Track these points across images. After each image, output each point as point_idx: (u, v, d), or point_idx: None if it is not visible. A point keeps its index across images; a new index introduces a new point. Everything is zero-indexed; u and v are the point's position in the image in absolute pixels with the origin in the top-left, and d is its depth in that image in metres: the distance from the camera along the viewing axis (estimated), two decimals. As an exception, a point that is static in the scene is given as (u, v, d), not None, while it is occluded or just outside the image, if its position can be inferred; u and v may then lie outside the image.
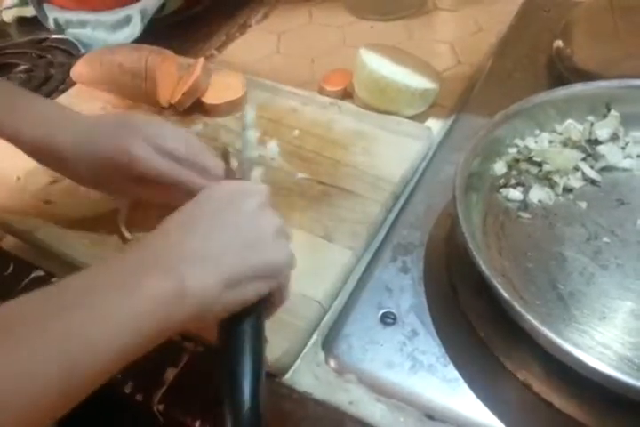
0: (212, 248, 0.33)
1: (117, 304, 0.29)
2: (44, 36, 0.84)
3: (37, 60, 0.81)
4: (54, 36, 0.84)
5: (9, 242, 0.55)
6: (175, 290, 0.30)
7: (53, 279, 0.51)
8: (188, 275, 0.31)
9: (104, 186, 0.48)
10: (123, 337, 0.28)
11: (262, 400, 0.33)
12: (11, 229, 0.55)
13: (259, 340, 0.35)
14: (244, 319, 0.35)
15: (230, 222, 0.35)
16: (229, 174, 0.47)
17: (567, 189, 0.49)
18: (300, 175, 0.55)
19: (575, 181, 0.50)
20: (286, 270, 0.38)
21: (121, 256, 0.33)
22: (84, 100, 0.68)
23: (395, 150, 0.57)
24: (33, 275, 0.51)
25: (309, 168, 0.56)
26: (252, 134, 0.54)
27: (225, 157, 0.51)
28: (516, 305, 0.36)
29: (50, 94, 0.73)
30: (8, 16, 0.89)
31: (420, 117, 0.61)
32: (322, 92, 0.67)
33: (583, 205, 0.48)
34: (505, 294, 0.37)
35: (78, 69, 0.69)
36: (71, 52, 0.81)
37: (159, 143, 0.44)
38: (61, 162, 0.45)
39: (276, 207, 0.40)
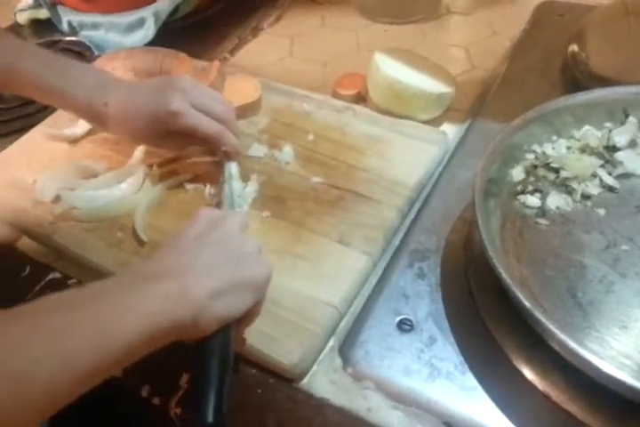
0: (202, 263, 0.38)
1: (130, 302, 0.33)
2: (57, 38, 0.84)
3: (51, 61, 0.81)
4: (68, 39, 0.84)
5: (26, 244, 0.55)
6: (179, 290, 0.35)
7: (70, 281, 0.51)
8: (188, 281, 0.36)
9: (142, 138, 0.54)
10: (134, 331, 0.32)
11: (225, 412, 0.34)
12: (28, 231, 0.55)
13: (226, 352, 0.37)
14: (216, 332, 0.37)
15: (212, 243, 0.40)
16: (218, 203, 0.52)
17: (585, 196, 0.49)
18: (315, 180, 0.55)
19: (593, 188, 0.49)
20: (266, 285, 0.41)
21: (127, 270, 0.38)
22: (99, 103, 0.68)
23: (410, 155, 0.57)
24: (49, 277, 0.52)
25: (324, 172, 0.56)
26: (237, 186, 0.53)
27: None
28: (537, 314, 0.36)
29: (64, 96, 0.73)
30: (22, 18, 0.89)
31: (435, 122, 0.61)
32: (335, 95, 0.67)
33: (601, 212, 0.48)
34: (526, 303, 0.37)
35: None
36: (84, 54, 0.81)
37: (197, 101, 0.51)
38: (106, 116, 0.51)
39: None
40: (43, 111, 0.71)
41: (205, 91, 0.53)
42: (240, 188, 0.53)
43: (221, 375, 0.36)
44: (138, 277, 0.36)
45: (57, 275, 0.52)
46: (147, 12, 0.79)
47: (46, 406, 0.30)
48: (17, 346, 0.29)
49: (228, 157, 0.54)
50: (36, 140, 0.64)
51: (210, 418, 0.33)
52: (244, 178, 0.55)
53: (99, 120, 0.53)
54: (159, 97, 0.50)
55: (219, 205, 0.51)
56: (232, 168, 0.54)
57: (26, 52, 0.52)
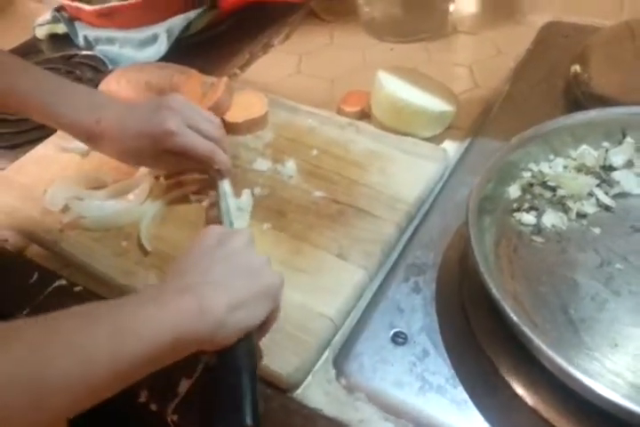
0: (215, 279, 0.39)
1: (149, 315, 0.34)
2: (73, 52, 0.87)
3: (67, 75, 0.83)
4: (84, 53, 0.87)
5: (34, 251, 0.57)
6: (197, 306, 0.35)
7: (76, 288, 0.52)
8: (206, 295, 0.36)
9: (134, 157, 0.55)
10: (157, 337, 0.33)
11: (259, 416, 0.36)
12: (36, 238, 0.57)
13: (253, 359, 0.39)
14: (240, 340, 0.39)
15: (222, 259, 0.41)
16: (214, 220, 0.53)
17: (581, 215, 0.50)
18: (317, 194, 0.57)
19: (589, 207, 0.50)
20: (280, 292, 0.43)
21: (144, 291, 0.39)
22: (111, 116, 0.70)
23: (410, 171, 0.58)
24: (56, 284, 0.53)
25: (326, 187, 0.57)
26: (232, 202, 0.54)
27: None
28: (526, 329, 0.37)
29: (78, 109, 0.76)
30: (41, 32, 0.92)
31: (436, 139, 0.62)
32: (340, 112, 0.68)
33: (597, 230, 0.49)
34: (514, 318, 0.37)
35: (105, 85, 0.71)
36: (99, 68, 0.83)
37: (189, 120, 0.53)
38: (98, 134, 0.53)
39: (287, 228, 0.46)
40: (57, 123, 0.73)
41: (196, 109, 0.55)
42: (235, 203, 0.54)
43: (252, 380, 0.37)
44: (155, 294, 0.37)
45: (63, 282, 0.53)
46: (160, 29, 0.82)
47: (62, 409, 0.30)
48: (34, 347, 0.29)
49: (221, 175, 0.55)
50: (48, 150, 0.66)
51: (249, 421, 0.35)
52: (237, 193, 0.56)
53: (91, 138, 0.54)
54: (153, 116, 0.52)
55: (217, 218, 0.53)
56: (225, 186, 0.55)
57: (25, 73, 0.54)
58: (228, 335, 0.37)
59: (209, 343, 0.37)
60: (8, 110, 0.58)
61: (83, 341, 0.31)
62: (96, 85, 0.72)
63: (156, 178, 0.59)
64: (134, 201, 0.56)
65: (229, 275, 0.39)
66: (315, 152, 0.61)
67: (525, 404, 0.40)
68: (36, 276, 0.54)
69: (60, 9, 0.91)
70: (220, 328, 0.36)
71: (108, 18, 0.85)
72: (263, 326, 0.42)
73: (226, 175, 0.56)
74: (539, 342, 0.37)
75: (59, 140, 0.67)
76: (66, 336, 0.31)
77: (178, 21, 0.82)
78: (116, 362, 0.32)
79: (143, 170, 0.60)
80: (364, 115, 0.67)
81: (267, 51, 0.84)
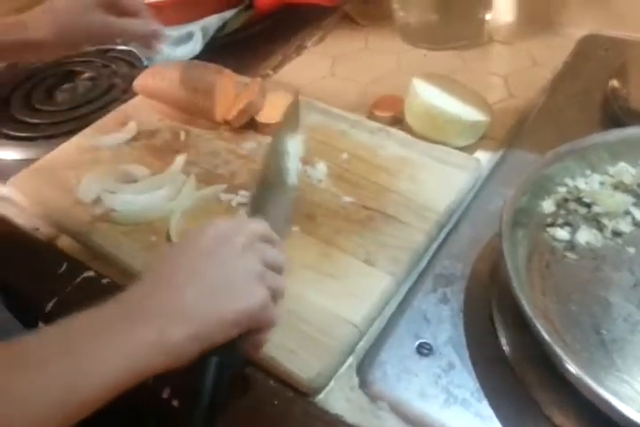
0: (185, 300, 0.36)
1: (109, 349, 0.33)
2: (110, 46, 0.88)
3: (102, 69, 0.85)
4: (120, 48, 0.88)
5: (64, 242, 0.58)
6: (155, 341, 0.34)
7: (104, 280, 0.53)
8: (166, 329, 0.34)
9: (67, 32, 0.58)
10: (111, 374, 0.32)
11: None
12: (67, 229, 0.57)
13: (219, 384, 0.36)
14: (212, 356, 0.36)
15: (203, 271, 0.37)
16: None
17: (616, 233, 0.49)
18: (346, 199, 0.56)
19: (625, 226, 0.49)
20: (260, 314, 0.38)
21: (112, 304, 0.35)
22: (144, 111, 0.71)
23: (441, 180, 0.57)
24: (84, 275, 0.54)
25: (355, 192, 0.57)
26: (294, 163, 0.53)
27: None
28: (558, 349, 0.36)
29: (112, 102, 0.77)
30: (79, 26, 0.93)
31: (468, 149, 0.62)
32: (371, 117, 0.68)
33: (632, 250, 0.48)
34: (547, 337, 0.37)
35: (141, 81, 0.72)
36: (134, 63, 0.85)
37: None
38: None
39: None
40: (93, 114, 0.74)
41: None
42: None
43: (213, 399, 0.36)
44: (114, 317, 0.35)
45: (91, 273, 0.54)
46: (196, 27, 0.83)
47: None
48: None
49: (158, 38, 0.60)
50: (82, 143, 0.67)
51: None
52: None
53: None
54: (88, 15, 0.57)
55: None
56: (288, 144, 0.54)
57: None
58: (188, 359, 0.35)
59: (169, 368, 0.35)
60: None
61: (61, 387, 0.31)
62: (131, 80, 0.73)
63: (188, 175, 0.59)
64: (165, 197, 0.57)
65: (202, 297, 0.36)
66: (345, 156, 0.61)
67: (552, 423, 0.39)
68: (65, 266, 0.55)
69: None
70: (176, 360, 0.34)
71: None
72: (253, 341, 0.39)
73: (163, 38, 0.61)
74: (569, 361, 0.36)
75: (93, 131, 0.68)
76: (26, 382, 0.30)
77: (214, 20, 0.83)
78: (76, 397, 0.32)
79: (176, 166, 0.60)
80: (396, 120, 0.67)
81: (300, 53, 0.84)
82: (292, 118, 0.59)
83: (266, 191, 0.49)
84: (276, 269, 0.40)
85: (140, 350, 0.33)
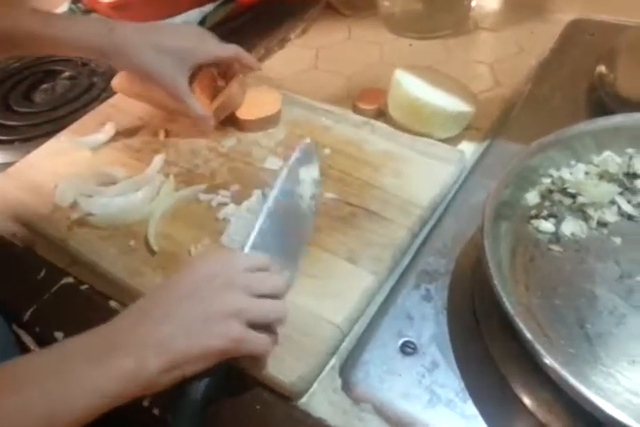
0: (162, 334, 0.37)
1: (89, 376, 0.35)
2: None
3: (81, 67, 0.84)
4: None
5: (43, 247, 0.57)
6: (134, 370, 0.36)
7: (82, 287, 0.52)
8: (146, 359, 0.36)
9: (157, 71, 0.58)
10: (91, 400, 0.35)
11: None
12: (44, 234, 0.56)
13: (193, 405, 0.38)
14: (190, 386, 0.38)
15: (189, 305, 0.39)
16: None
17: (601, 224, 0.48)
18: (329, 195, 0.55)
19: (610, 216, 0.48)
20: (238, 347, 0.39)
21: (96, 333, 0.38)
22: (123, 111, 0.70)
23: (425, 173, 0.56)
24: (63, 281, 0.53)
25: (338, 188, 0.56)
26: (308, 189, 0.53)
27: None
28: (538, 346, 0.35)
29: (91, 102, 0.76)
30: (57, 24, 0.92)
31: (453, 140, 0.61)
32: (355, 110, 0.67)
33: (617, 240, 0.47)
34: (527, 334, 0.36)
35: (119, 80, 0.70)
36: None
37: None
38: (115, 46, 0.56)
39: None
40: (72, 115, 0.73)
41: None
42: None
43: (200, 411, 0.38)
44: (99, 346, 0.37)
45: (70, 280, 0.53)
46: (176, 21, 0.81)
47: None
48: None
49: (249, 67, 0.64)
50: (60, 145, 0.66)
51: None
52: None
53: (105, 49, 0.56)
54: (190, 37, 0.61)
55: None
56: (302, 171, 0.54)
57: (32, 14, 0.57)
58: (162, 388, 0.37)
59: (145, 394, 0.38)
60: (12, 53, 0.63)
61: (18, 422, 0.33)
62: (110, 79, 0.71)
63: (167, 175, 0.58)
64: (143, 199, 0.56)
65: (177, 332, 0.37)
66: (327, 151, 0.60)
67: (537, 420, 0.38)
68: (43, 272, 0.54)
69: (76, 1, 0.91)
70: (149, 389, 0.37)
71: (124, 10, 0.84)
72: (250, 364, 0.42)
73: (255, 67, 0.64)
74: (550, 359, 0.35)
75: (71, 133, 0.67)
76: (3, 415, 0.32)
77: (193, 15, 0.81)
78: (71, 417, 0.34)
79: (154, 166, 0.59)
80: (380, 113, 0.66)
81: (283, 46, 0.83)
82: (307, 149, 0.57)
83: (274, 223, 0.49)
84: (274, 296, 0.41)
85: (116, 383, 0.35)
